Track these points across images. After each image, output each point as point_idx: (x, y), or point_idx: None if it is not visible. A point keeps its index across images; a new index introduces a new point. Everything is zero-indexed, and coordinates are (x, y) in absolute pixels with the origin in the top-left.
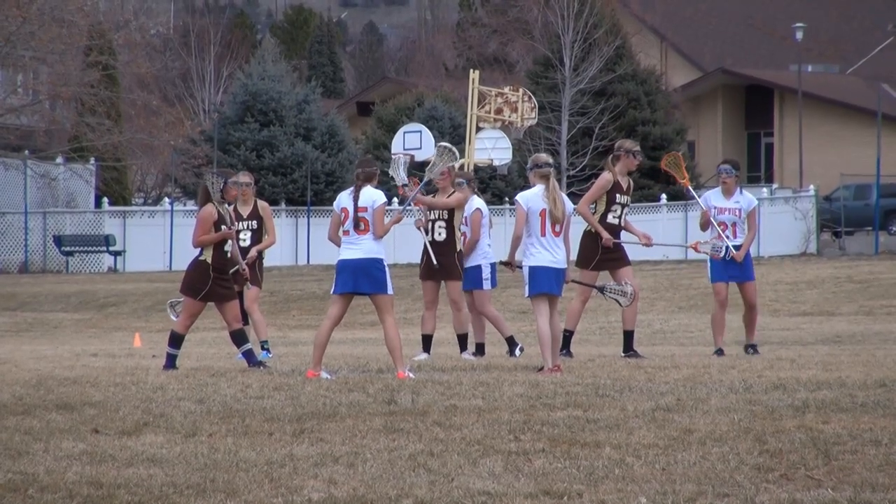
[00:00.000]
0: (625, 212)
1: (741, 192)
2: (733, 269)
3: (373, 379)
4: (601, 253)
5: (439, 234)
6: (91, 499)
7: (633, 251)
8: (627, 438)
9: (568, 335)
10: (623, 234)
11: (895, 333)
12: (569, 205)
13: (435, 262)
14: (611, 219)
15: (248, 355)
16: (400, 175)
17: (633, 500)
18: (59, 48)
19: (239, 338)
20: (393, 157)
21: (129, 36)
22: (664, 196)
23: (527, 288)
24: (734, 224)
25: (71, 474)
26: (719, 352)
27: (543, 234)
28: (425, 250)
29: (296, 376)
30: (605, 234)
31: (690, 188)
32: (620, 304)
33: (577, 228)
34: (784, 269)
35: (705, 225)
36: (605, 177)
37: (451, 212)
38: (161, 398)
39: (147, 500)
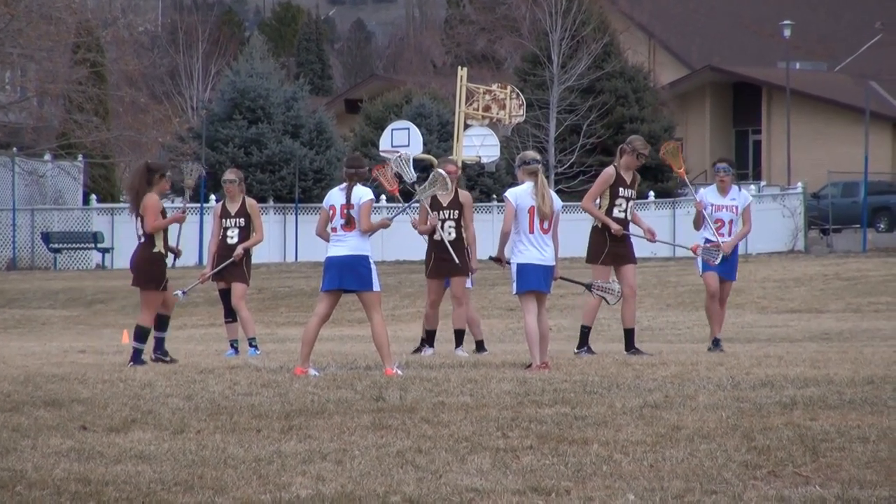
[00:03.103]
0: (630, 205)
1: (738, 189)
2: (723, 265)
3: (360, 376)
4: (609, 246)
5: (450, 233)
6: (79, 495)
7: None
8: (615, 435)
9: (586, 331)
10: (630, 226)
11: (883, 331)
12: (557, 202)
13: (457, 259)
14: (616, 213)
15: (137, 354)
16: (410, 173)
17: (621, 496)
18: (47, 45)
19: (161, 323)
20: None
21: (117, 33)
22: (652, 193)
23: (515, 285)
24: (731, 221)
25: (59, 471)
26: (716, 342)
27: (532, 231)
28: (430, 249)
29: (284, 373)
30: (614, 224)
31: (686, 178)
32: (608, 302)
33: (585, 225)
34: (772, 267)
35: (698, 221)
36: (608, 171)
37: (461, 211)
38: (149, 395)
39: (135, 496)
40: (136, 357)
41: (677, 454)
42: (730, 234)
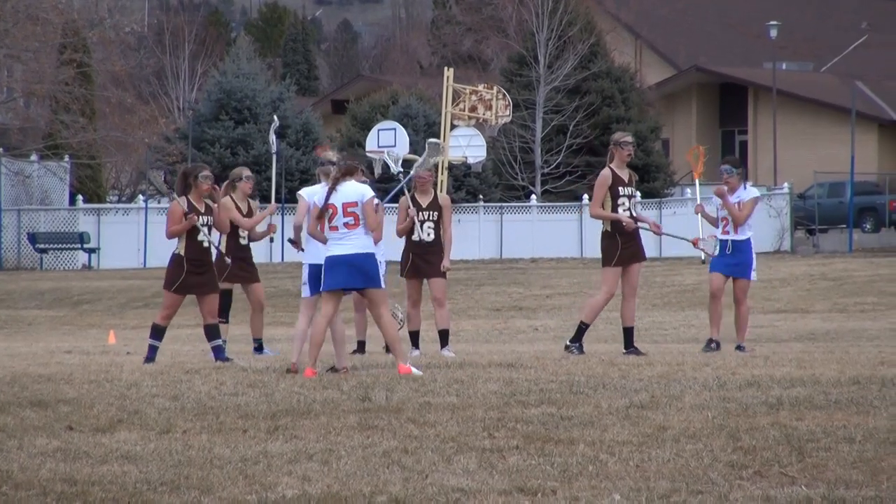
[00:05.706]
0: (633, 203)
1: (745, 187)
2: (731, 263)
3: (346, 376)
4: (622, 247)
5: (428, 234)
6: (65, 496)
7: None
8: (601, 435)
9: (583, 327)
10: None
11: (868, 331)
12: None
13: (423, 261)
14: (621, 213)
15: (217, 350)
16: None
17: (607, 496)
18: (34, 46)
19: (211, 332)
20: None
21: (104, 33)
22: (639, 193)
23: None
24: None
25: (45, 471)
26: (713, 343)
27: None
28: (408, 249)
29: (270, 373)
30: (626, 219)
31: (697, 182)
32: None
33: (595, 229)
34: (758, 267)
35: (711, 220)
36: (603, 173)
37: (440, 212)
38: (135, 395)
39: (121, 496)
40: (150, 353)
41: (663, 454)
42: (736, 232)
